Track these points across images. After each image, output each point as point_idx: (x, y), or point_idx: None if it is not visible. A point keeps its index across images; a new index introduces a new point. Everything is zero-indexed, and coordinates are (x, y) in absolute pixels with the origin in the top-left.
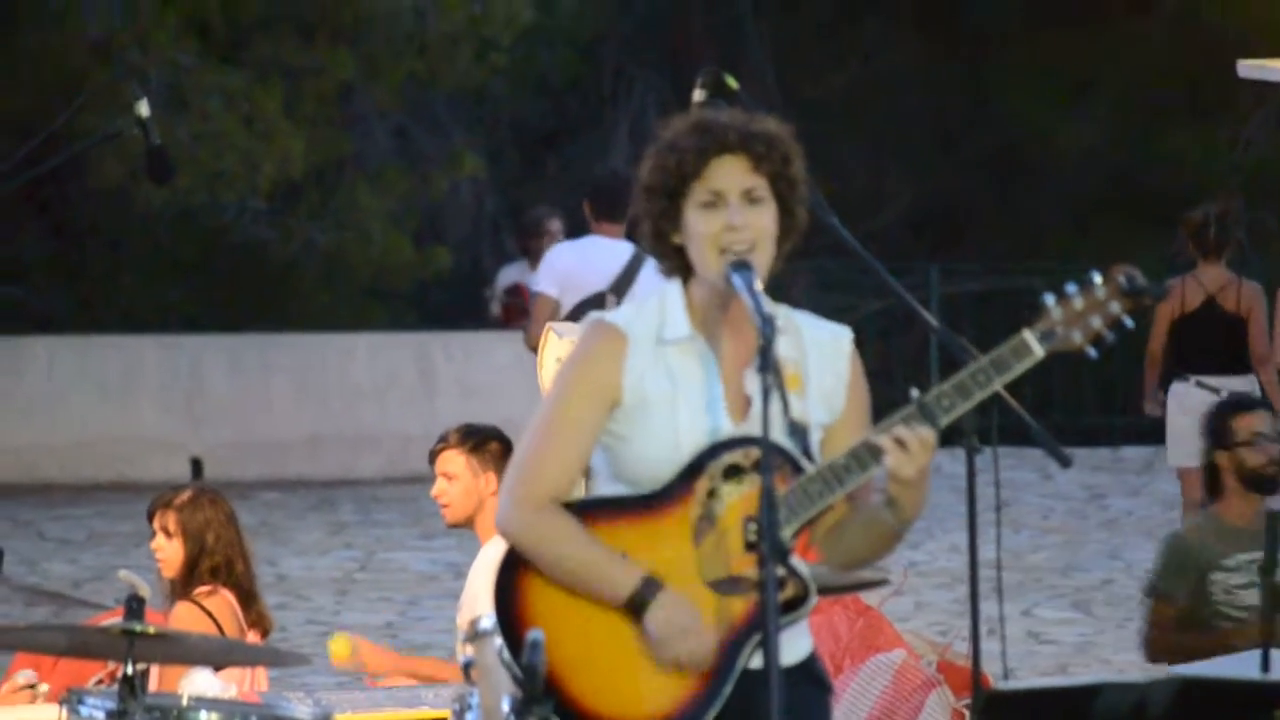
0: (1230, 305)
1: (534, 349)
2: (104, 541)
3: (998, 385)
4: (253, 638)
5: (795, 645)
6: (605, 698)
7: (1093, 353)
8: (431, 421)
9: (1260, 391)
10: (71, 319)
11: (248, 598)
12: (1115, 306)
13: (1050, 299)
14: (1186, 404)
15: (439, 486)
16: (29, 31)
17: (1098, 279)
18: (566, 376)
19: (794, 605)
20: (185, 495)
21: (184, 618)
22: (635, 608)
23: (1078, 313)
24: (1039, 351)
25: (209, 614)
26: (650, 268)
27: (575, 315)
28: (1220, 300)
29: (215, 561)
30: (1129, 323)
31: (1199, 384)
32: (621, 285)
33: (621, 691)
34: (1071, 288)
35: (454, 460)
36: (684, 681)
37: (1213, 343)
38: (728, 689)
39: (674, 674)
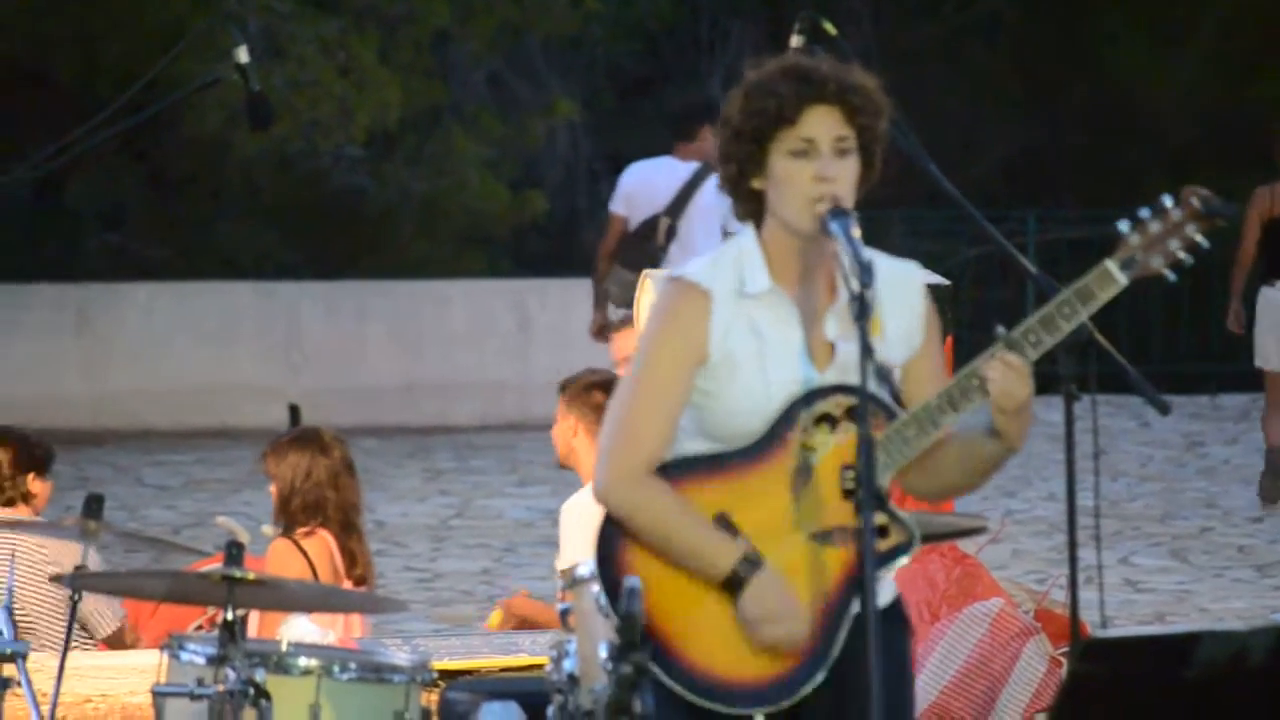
0: None
1: (605, 257)
2: (202, 488)
3: (1084, 316)
4: (349, 584)
5: (888, 589)
6: (715, 654)
7: (1172, 276)
8: (526, 369)
9: None
10: (170, 266)
11: (346, 540)
12: (1191, 228)
13: (1126, 226)
14: (1273, 307)
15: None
16: None
17: (1169, 202)
18: (653, 338)
19: (900, 551)
20: (281, 440)
21: (278, 553)
22: (732, 587)
23: (1155, 237)
24: (1122, 279)
25: (303, 552)
26: (709, 188)
27: (636, 236)
28: None
29: (305, 501)
30: (1205, 244)
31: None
32: (676, 207)
33: (729, 648)
34: (1146, 212)
35: (559, 405)
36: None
37: None
38: (835, 651)
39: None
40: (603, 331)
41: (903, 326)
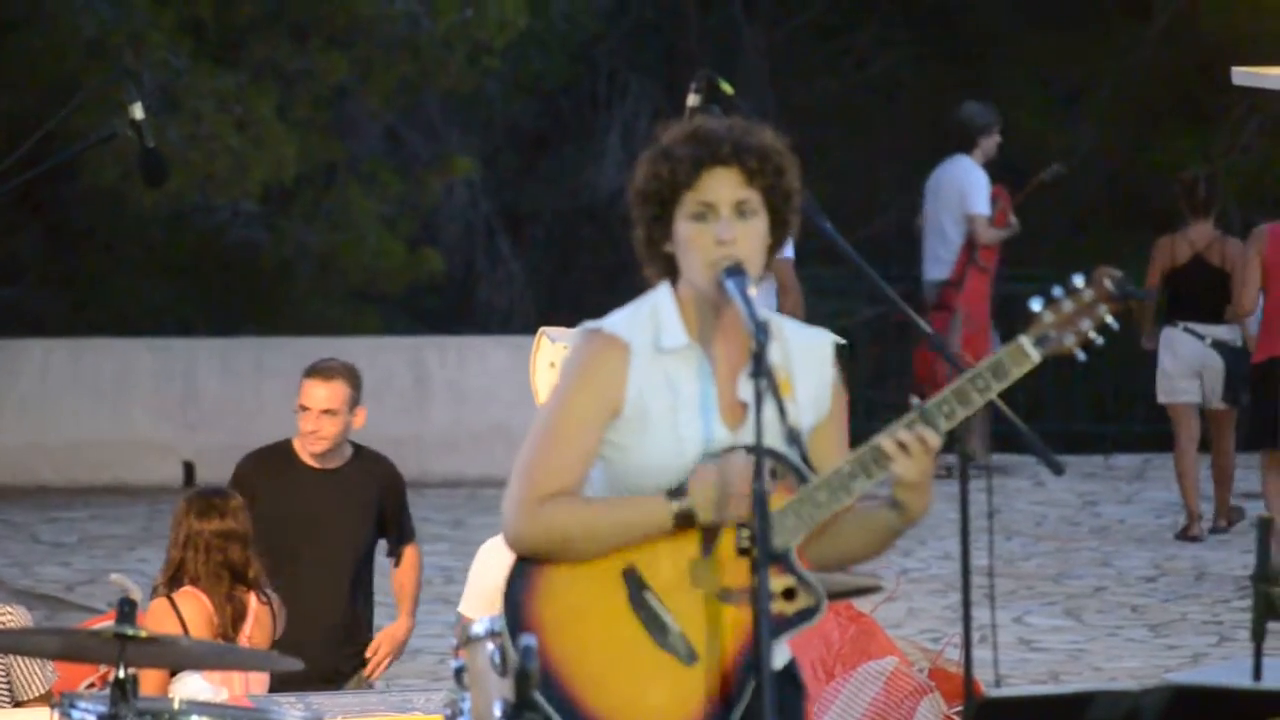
0: (1216, 260)
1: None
2: (97, 545)
3: (996, 391)
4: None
5: (781, 651)
6: (622, 710)
7: (1082, 356)
8: (425, 426)
9: (1241, 340)
10: (65, 321)
11: (229, 598)
12: (1102, 309)
13: (1038, 304)
14: (1175, 348)
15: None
16: (22, 32)
17: (1081, 282)
18: (568, 386)
19: (808, 614)
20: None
21: (153, 612)
22: (685, 521)
23: (1067, 316)
24: (1035, 356)
25: (177, 611)
26: None
27: None
28: (1207, 256)
29: (173, 561)
30: (1115, 325)
31: (1186, 329)
32: None
33: (639, 703)
34: (1058, 291)
35: None
36: (699, 693)
37: (1200, 294)
38: (745, 696)
39: (689, 685)
40: None
41: (811, 392)
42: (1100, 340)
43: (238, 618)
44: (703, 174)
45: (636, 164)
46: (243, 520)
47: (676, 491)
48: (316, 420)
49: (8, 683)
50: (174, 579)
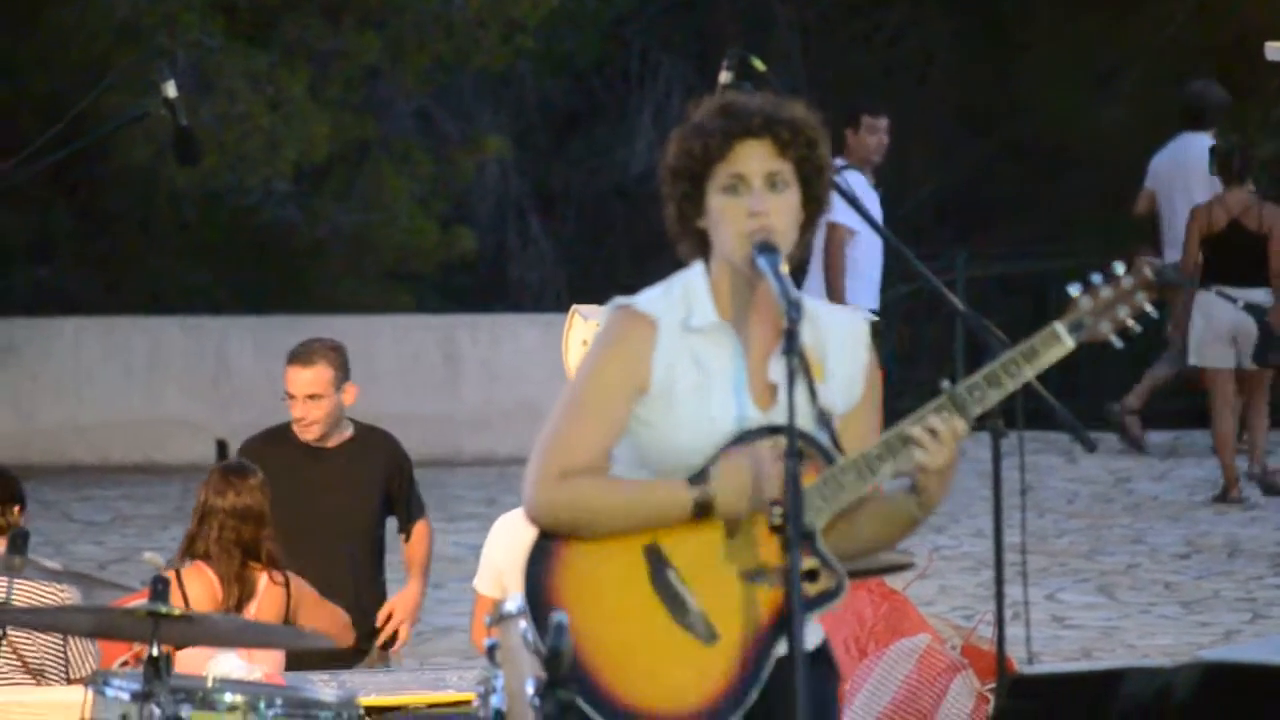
0: (1253, 225)
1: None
2: (129, 523)
3: (1028, 376)
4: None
5: (816, 633)
6: (640, 688)
7: (1118, 343)
8: (456, 405)
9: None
10: (98, 300)
11: (239, 574)
12: (1141, 297)
13: (1077, 289)
14: (1209, 312)
15: None
16: (56, 12)
17: (1121, 269)
18: (594, 360)
19: (829, 596)
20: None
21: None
22: (704, 510)
23: (1105, 303)
24: (1069, 343)
25: (180, 585)
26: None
27: None
28: (1244, 220)
29: (189, 534)
30: (1154, 313)
31: (1219, 293)
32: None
33: (657, 682)
34: (1097, 278)
35: None
36: (719, 673)
37: (1237, 258)
38: (763, 677)
39: (709, 665)
40: None
41: (845, 375)
42: (1138, 328)
43: (245, 596)
44: (735, 146)
45: (668, 141)
46: (258, 498)
47: (699, 477)
48: (304, 406)
49: (64, 660)
50: (188, 552)
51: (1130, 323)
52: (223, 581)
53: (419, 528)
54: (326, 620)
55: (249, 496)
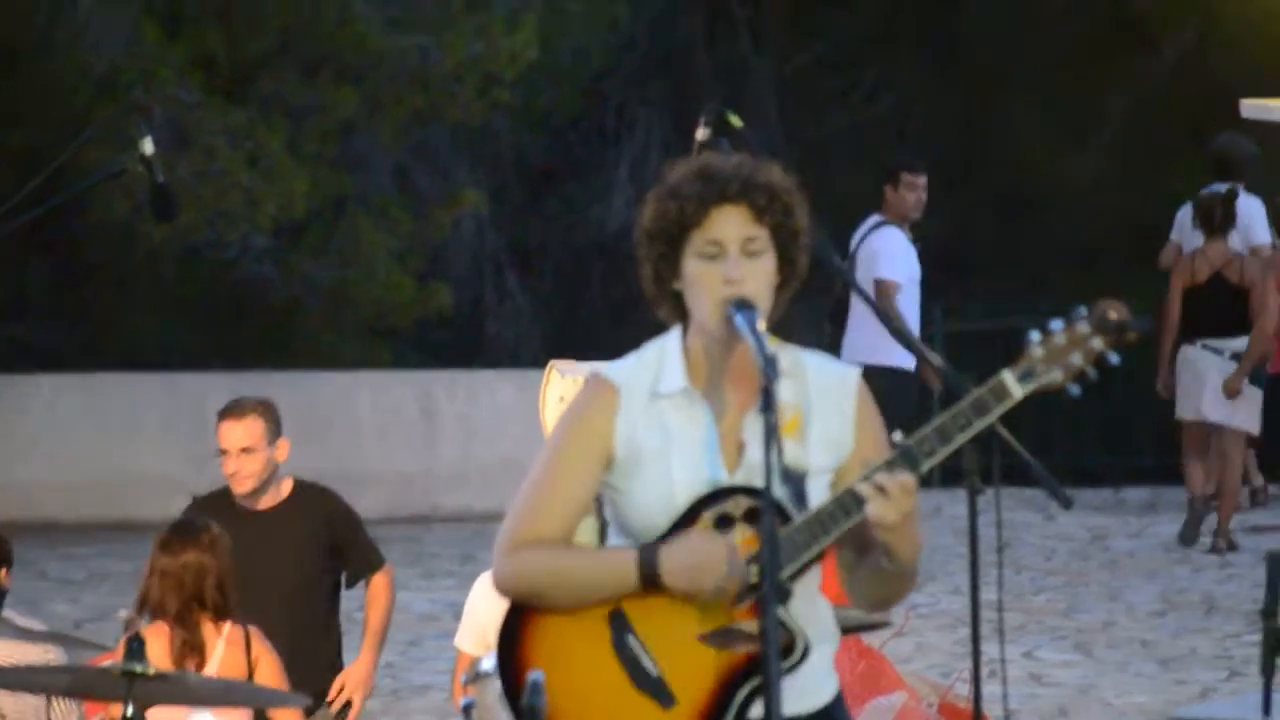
0: (1235, 278)
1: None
2: (105, 581)
3: (978, 428)
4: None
5: (811, 694)
6: None
7: (1075, 390)
8: (433, 461)
9: None
10: (75, 357)
11: (193, 633)
12: (1098, 342)
13: (1035, 336)
14: (1195, 366)
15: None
16: (34, 67)
17: (1082, 313)
18: (560, 431)
19: (781, 655)
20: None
21: (121, 644)
22: (650, 576)
23: (1059, 349)
24: (1017, 393)
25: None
26: (868, 241)
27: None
28: (1226, 273)
29: (140, 595)
30: (1114, 359)
31: (1204, 346)
32: (852, 259)
33: None
34: (1056, 324)
35: None
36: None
37: (1219, 311)
38: None
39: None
40: None
41: (830, 430)
42: (1094, 375)
43: (189, 651)
44: (711, 212)
45: (644, 203)
46: (203, 553)
47: (649, 549)
48: (236, 461)
49: (46, 719)
50: (141, 610)
51: (1088, 370)
52: (171, 632)
53: (378, 581)
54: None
55: (195, 552)
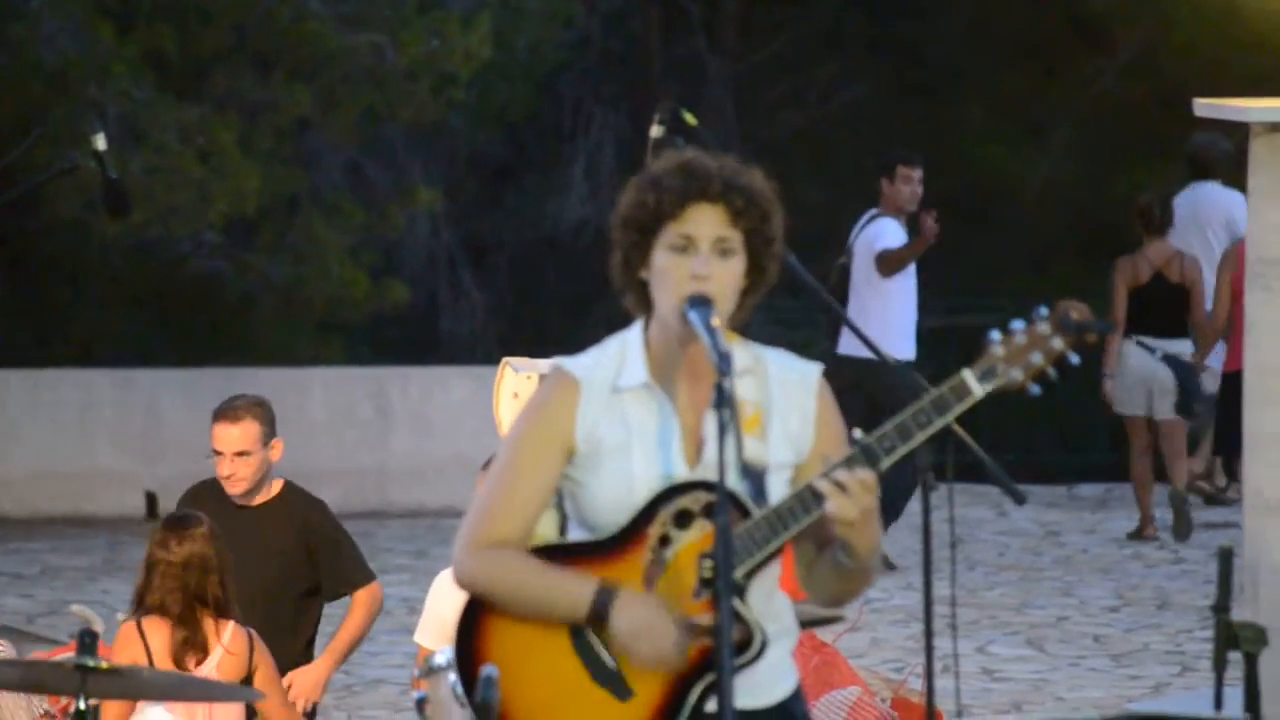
0: (1175, 277)
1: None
2: (58, 576)
3: (938, 426)
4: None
5: (767, 688)
6: None
7: (1035, 390)
8: (387, 457)
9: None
10: (27, 353)
11: (192, 628)
12: (1058, 342)
13: (995, 335)
14: (1126, 361)
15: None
16: None
17: (1044, 313)
18: (521, 425)
19: (740, 650)
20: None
21: (120, 636)
22: (597, 619)
23: (1020, 349)
24: (978, 391)
25: (143, 637)
26: (867, 233)
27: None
28: (1167, 273)
29: (140, 587)
30: (1074, 359)
31: (1139, 343)
32: (849, 250)
33: None
34: (1017, 324)
35: None
36: None
37: (1160, 310)
38: None
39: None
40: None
41: (791, 427)
42: (1055, 375)
43: (192, 646)
44: (688, 207)
45: (625, 188)
46: (201, 546)
47: (606, 592)
48: (232, 464)
49: None
50: (138, 605)
51: (1049, 370)
52: (172, 630)
53: (358, 597)
54: (275, 694)
55: (192, 546)
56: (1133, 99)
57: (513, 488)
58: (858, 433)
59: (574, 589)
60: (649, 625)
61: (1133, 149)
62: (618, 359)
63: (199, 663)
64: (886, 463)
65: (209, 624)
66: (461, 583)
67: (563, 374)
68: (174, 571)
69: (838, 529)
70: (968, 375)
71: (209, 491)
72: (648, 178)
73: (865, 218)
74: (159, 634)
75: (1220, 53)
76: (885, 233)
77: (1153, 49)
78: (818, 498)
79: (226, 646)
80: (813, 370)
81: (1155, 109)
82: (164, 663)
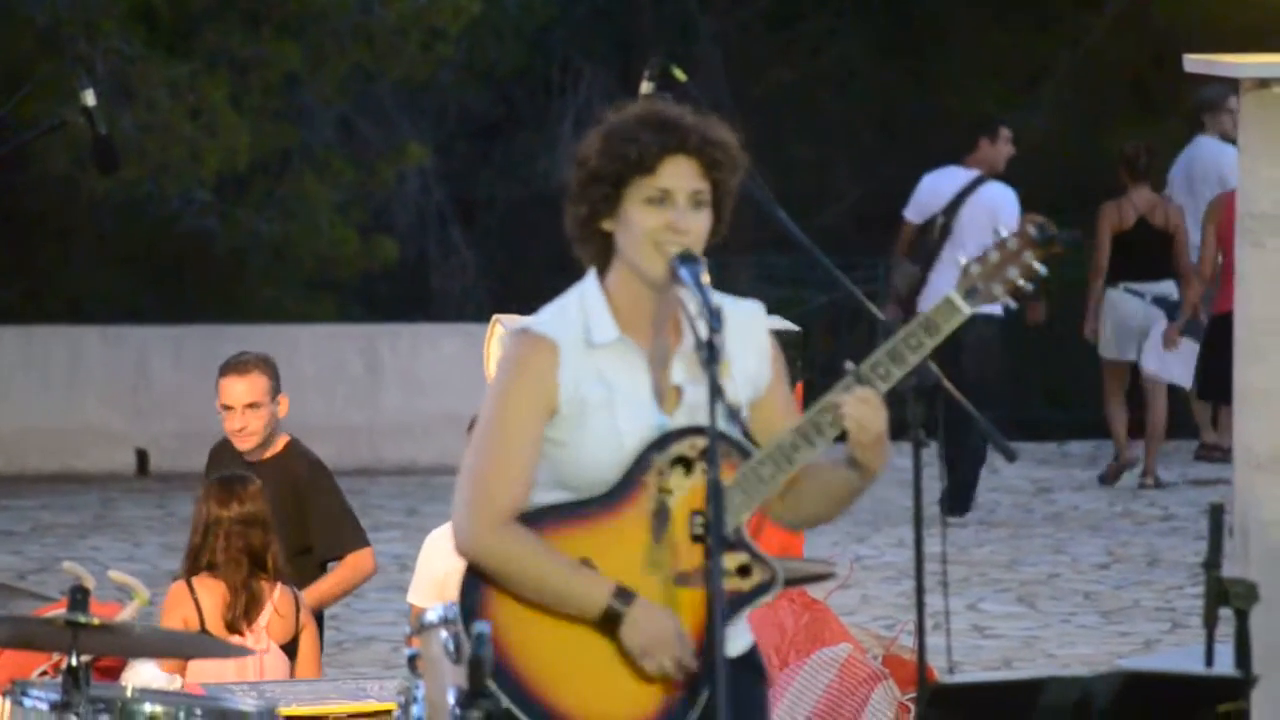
0: (1159, 222)
1: (898, 256)
2: (48, 532)
3: (929, 348)
4: (249, 631)
5: (744, 635)
6: (577, 701)
7: (1012, 303)
8: (377, 415)
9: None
10: (17, 309)
11: (248, 587)
12: (1029, 256)
13: (971, 258)
14: (1117, 308)
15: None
16: None
17: (1006, 232)
18: (504, 390)
19: (762, 590)
20: (205, 484)
21: (170, 595)
22: (609, 621)
23: (994, 266)
24: (965, 309)
25: (194, 597)
26: (983, 193)
27: (919, 231)
28: (1150, 218)
29: (194, 547)
30: (1043, 270)
31: (1127, 289)
32: (951, 208)
33: (594, 693)
34: (987, 244)
35: None
36: (655, 683)
37: (1144, 255)
38: (703, 694)
39: (644, 676)
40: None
41: (750, 366)
42: (1030, 287)
43: (251, 606)
44: (665, 160)
45: (586, 142)
46: (261, 505)
47: (623, 594)
48: (242, 416)
49: None
50: (194, 565)
51: (1021, 283)
52: (231, 591)
53: (348, 559)
54: (315, 657)
55: (252, 504)
56: (1123, 54)
57: (508, 455)
58: (849, 364)
59: (589, 590)
60: (660, 640)
61: (1123, 104)
62: (580, 315)
63: (251, 624)
64: (882, 388)
65: (264, 585)
66: (468, 557)
67: (537, 336)
68: (237, 530)
69: (855, 452)
70: (953, 295)
71: (226, 451)
72: (616, 129)
73: (965, 177)
74: (212, 594)
75: (1211, 8)
76: (1008, 202)
77: (1142, 4)
78: (820, 429)
79: (276, 606)
80: (758, 307)
81: (1145, 64)
82: (215, 623)
